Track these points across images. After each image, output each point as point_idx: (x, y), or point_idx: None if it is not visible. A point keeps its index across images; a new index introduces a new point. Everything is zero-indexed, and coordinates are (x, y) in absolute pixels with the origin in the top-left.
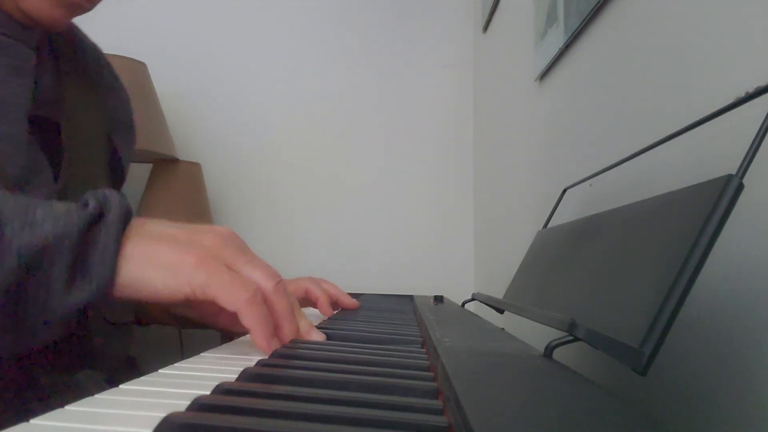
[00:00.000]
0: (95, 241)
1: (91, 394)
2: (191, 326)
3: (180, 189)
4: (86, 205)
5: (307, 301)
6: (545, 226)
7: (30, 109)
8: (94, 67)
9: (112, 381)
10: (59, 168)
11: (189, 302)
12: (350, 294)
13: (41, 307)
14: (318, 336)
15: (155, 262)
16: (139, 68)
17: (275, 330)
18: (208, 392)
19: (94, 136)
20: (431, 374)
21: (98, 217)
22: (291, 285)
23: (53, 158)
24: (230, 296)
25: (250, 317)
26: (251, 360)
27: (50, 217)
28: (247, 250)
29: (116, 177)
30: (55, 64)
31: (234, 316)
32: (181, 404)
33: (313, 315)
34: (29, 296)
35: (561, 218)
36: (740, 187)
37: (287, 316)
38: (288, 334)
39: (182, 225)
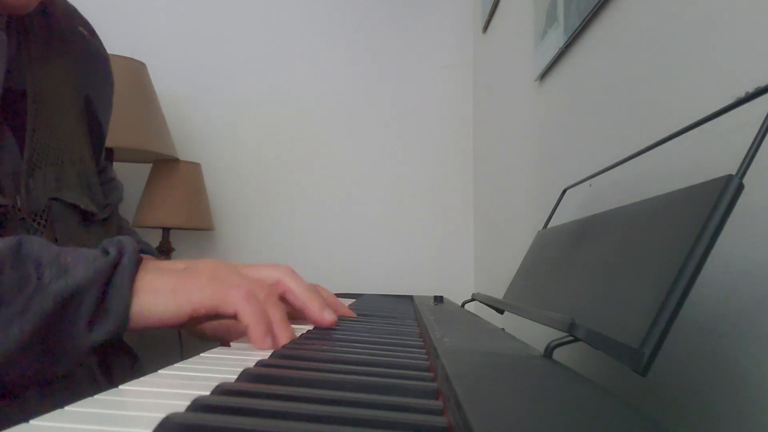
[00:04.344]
0: (114, 282)
1: (81, 380)
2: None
3: (180, 189)
4: (107, 252)
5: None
6: (545, 226)
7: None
8: (67, 30)
9: (104, 364)
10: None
11: (194, 320)
12: (350, 294)
13: (67, 343)
14: (348, 312)
15: (157, 289)
16: (139, 68)
17: (303, 312)
18: (208, 393)
19: (67, 98)
20: (431, 374)
21: (117, 262)
22: None
23: (19, 130)
24: (227, 298)
25: (246, 314)
26: (251, 360)
27: (81, 262)
28: (246, 265)
29: (95, 138)
30: (21, 33)
31: (227, 326)
32: (181, 404)
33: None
34: (58, 334)
35: (561, 218)
36: (740, 188)
37: (310, 297)
38: (315, 311)
39: (186, 261)
